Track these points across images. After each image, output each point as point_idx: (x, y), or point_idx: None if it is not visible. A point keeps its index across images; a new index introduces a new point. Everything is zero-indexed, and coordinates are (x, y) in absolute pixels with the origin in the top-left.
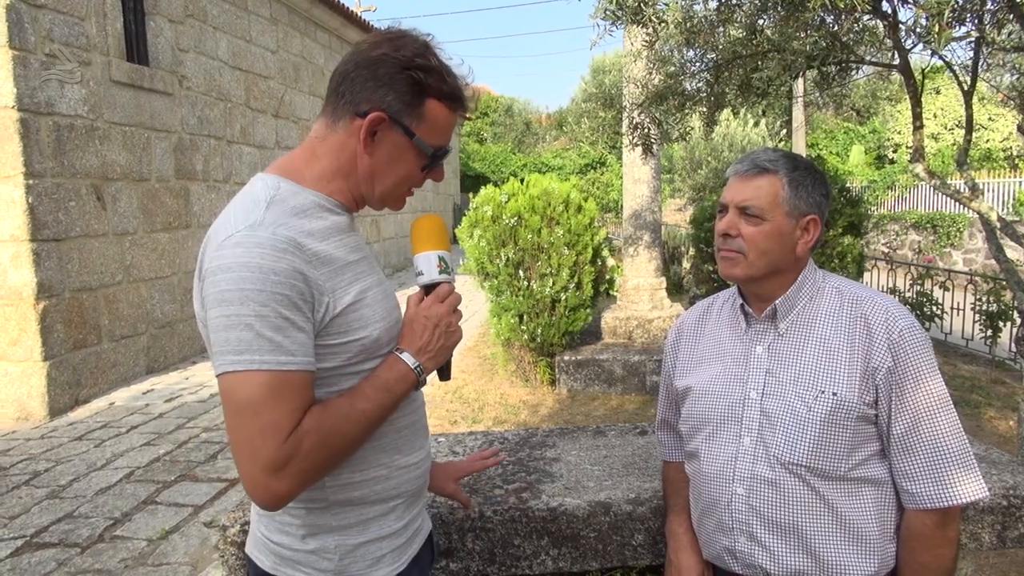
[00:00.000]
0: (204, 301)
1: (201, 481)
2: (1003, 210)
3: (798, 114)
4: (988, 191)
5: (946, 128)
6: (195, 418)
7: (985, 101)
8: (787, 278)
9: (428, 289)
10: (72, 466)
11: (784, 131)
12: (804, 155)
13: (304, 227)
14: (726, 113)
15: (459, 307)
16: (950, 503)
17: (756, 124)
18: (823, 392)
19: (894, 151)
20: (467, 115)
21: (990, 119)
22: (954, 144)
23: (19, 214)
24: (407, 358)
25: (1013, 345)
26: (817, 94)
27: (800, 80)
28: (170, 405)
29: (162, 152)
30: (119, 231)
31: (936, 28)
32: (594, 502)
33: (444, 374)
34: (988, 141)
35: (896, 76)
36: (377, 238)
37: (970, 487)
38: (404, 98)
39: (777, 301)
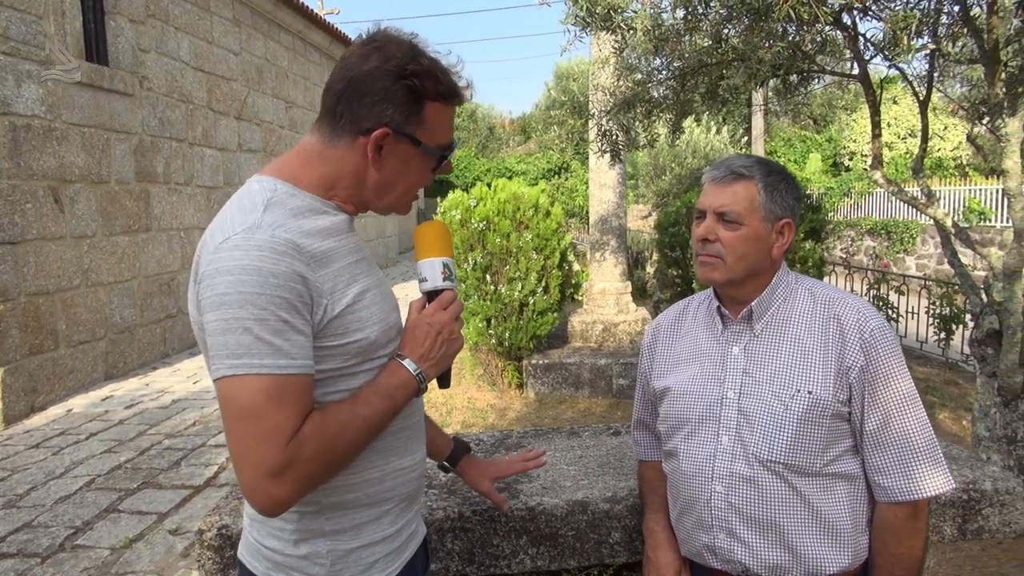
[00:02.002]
0: (200, 305)
1: (165, 488)
2: (955, 217)
3: (758, 122)
4: (940, 199)
5: (899, 137)
6: (157, 424)
7: (938, 111)
8: (762, 281)
9: (431, 296)
10: (29, 474)
11: (745, 139)
12: None
13: (302, 228)
14: (689, 120)
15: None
16: (919, 496)
17: (718, 131)
18: (799, 391)
19: (850, 159)
20: (465, 101)
21: (945, 128)
22: (907, 153)
23: None
24: (409, 365)
25: (966, 347)
26: (776, 102)
27: (760, 89)
28: (130, 412)
29: (122, 154)
30: (77, 234)
31: (904, 40)
32: (572, 501)
33: (444, 381)
34: (940, 150)
35: (852, 86)
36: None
37: (938, 480)
38: (404, 108)
39: (753, 303)
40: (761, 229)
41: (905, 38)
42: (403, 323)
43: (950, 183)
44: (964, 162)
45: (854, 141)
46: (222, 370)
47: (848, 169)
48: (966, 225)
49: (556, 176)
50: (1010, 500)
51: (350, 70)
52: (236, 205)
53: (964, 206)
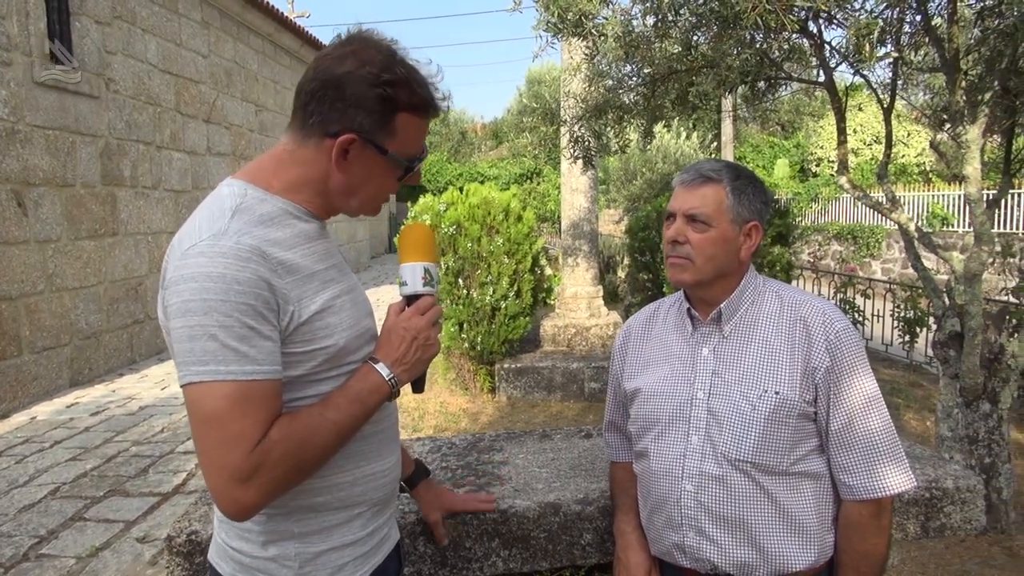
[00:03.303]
0: (167, 311)
1: (132, 496)
2: (918, 222)
3: (727, 128)
4: (904, 204)
5: (865, 143)
6: (124, 432)
7: (901, 118)
8: (731, 282)
9: (410, 300)
10: None
11: (714, 144)
12: None
13: (269, 236)
14: (659, 126)
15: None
16: (882, 494)
17: (688, 137)
18: (767, 391)
19: (817, 165)
20: (440, 114)
21: (908, 135)
22: (872, 159)
23: None
24: (382, 369)
25: (930, 350)
26: (745, 109)
27: (729, 95)
28: (97, 419)
29: (88, 157)
30: (41, 238)
31: (866, 48)
32: (544, 503)
33: (418, 387)
34: (904, 156)
35: (819, 93)
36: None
37: (900, 478)
38: (374, 116)
39: (722, 305)
40: (729, 231)
41: (868, 46)
42: (378, 328)
43: (914, 189)
44: (928, 168)
45: (821, 147)
46: (188, 376)
47: (815, 175)
48: (929, 230)
49: (528, 181)
50: (971, 498)
51: (323, 71)
52: (205, 211)
53: (928, 211)
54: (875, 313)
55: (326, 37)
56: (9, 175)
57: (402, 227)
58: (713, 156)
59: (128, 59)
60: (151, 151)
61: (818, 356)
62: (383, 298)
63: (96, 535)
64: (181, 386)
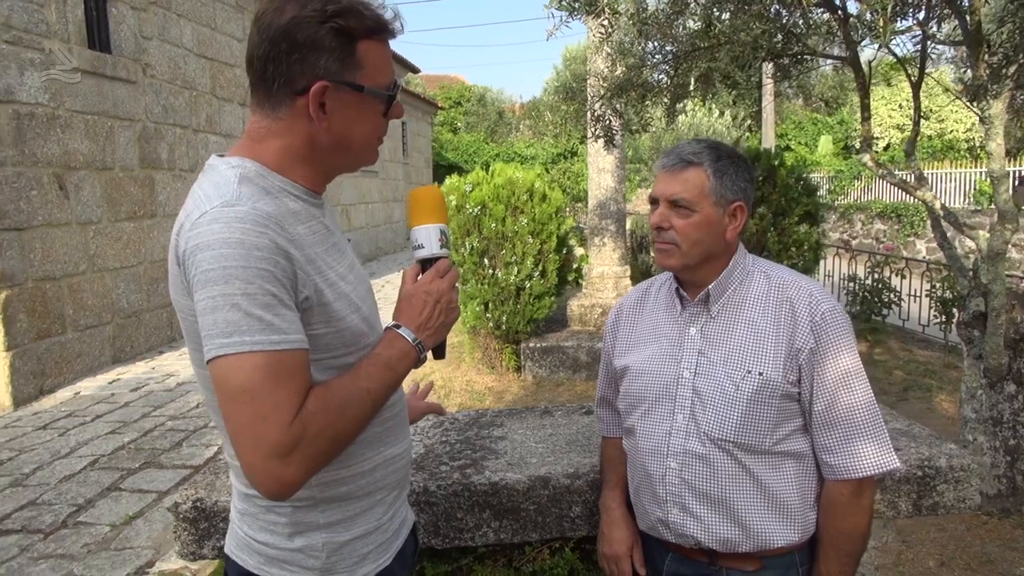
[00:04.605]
0: (187, 286)
1: (166, 468)
2: (964, 200)
3: (767, 104)
4: (951, 181)
5: (911, 120)
6: (161, 407)
7: (948, 94)
8: (719, 264)
9: (426, 264)
10: (36, 455)
11: (753, 121)
12: (773, 145)
13: (280, 207)
14: (692, 103)
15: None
16: (861, 474)
17: (721, 114)
18: (750, 372)
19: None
20: (397, 35)
21: (954, 110)
22: (919, 135)
23: None
24: (407, 334)
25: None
26: (776, 85)
27: (764, 71)
28: (136, 394)
29: (126, 141)
30: (83, 220)
31: (881, 22)
32: (534, 476)
33: (439, 352)
34: (952, 132)
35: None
36: (347, 228)
37: (880, 459)
38: (335, 54)
39: (710, 286)
40: (713, 214)
41: (882, 20)
42: (376, 311)
43: (962, 165)
44: (977, 144)
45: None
46: (213, 350)
47: (859, 152)
48: (976, 208)
49: (563, 160)
50: (964, 477)
51: (267, 29)
52: (206, 182)
53: (975, 188)
54: (911, 293)
55: None
56: (51, 159)
57: (411, 190)
58: (748, 133)
59: (164, 44)
60: (187, 134)
61: (803, 337)
62: None
63: (130, 504)
64: (207, 362)
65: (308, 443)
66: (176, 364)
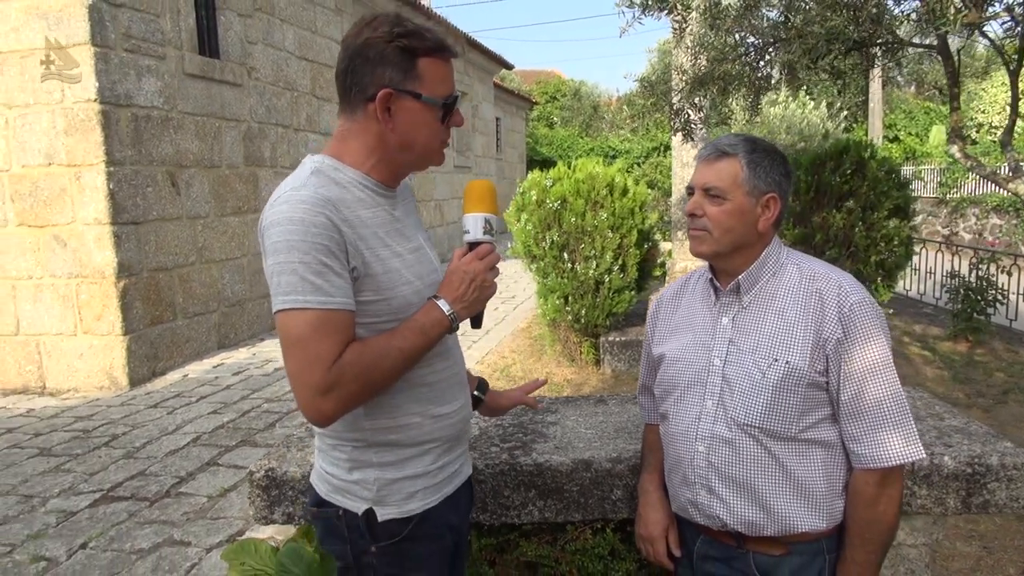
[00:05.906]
0: (263, 253)
1: (260, 446)
2: None
3: (875, 93)
4: None
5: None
6: (259, 390)
7: None
8: (751, 254)
9: (472, 247)
10: (146, 431)
11: (859, 111)
12: (880, 136)
13: (342, 195)
14: (784, 94)
15: (500, 271)
16: (886, 463)
17: (817, 106)
18: (776, 360)
19: (977, 131)
20: (455, 55)
21: None
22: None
23: (101, 199)
24: (443, 305)
25: None
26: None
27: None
28: (237, 378)
29: (232, 140)
30: (192, 215)
31: (939, 8)
32: (577, 459)
33: (476, 322)
34: None
35: (980, 51)
36: (440, 221)
37: (906, 449)
38: (399, 67)
39: (740, 276)
40: (745, 204)
41: (951, 7)
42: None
43: None
44: None
45: (983, 111)
46: (277, 305)
47: (975, 142)
48: None
49: (656, 155)
50: (1017, 475)
51: (348, 48)
52: (291, 176)
53: None
54: (1020, 292)
55: (454, 16)
56: (164, 158)
57: (468, 183)
58: (845, 125)
59: (268, 48)
60: (289, 133)
61: (830, 327)
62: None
63: (226, 478)
64: (274, 313)
65: (343, 386)
66: (275, 351)
